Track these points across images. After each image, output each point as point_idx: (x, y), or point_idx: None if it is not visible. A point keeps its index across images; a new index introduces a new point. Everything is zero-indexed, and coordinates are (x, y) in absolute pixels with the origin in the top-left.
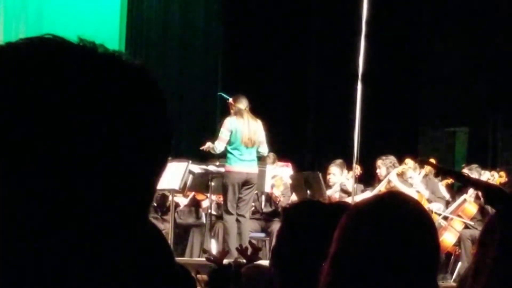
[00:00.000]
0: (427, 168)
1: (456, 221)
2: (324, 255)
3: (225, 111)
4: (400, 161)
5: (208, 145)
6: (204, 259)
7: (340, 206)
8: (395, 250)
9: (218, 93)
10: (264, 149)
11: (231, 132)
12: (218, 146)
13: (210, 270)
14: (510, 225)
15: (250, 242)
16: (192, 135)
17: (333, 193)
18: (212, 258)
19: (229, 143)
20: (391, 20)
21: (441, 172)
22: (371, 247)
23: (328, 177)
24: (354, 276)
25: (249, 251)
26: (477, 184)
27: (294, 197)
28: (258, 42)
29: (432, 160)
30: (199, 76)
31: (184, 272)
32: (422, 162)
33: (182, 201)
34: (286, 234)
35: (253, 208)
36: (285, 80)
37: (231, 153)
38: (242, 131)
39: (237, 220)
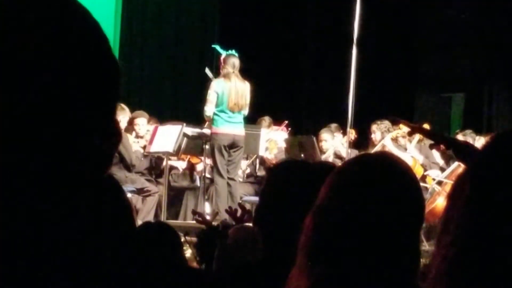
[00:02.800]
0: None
1: (450, 186)
2: (306, 213)
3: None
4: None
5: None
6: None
7: (324, 166)
8: (378, 207)
9: (213, 45)
10: (245, 112)
11: (217, 94)
12: (207, 109)
13: (199, 231)
14: (478, 180)
15: (239, 204)
16: (187, 98)
17: (326, 158)
18: (201, 219)
19: (216, 105)
20: None
21: (413, 129)
22: (355, 202)
23: (320, 144)
24: (336, 229)
25: (239, 212)
26: (447, 140)
27: None
28: (254, 6)
29: (423, 125)
30: (195, 39)
31: (167, 229)
32: (394, 120)
33: (181, 164)
34: (269, 193)
35: (248, 171)
36: (281, 44)
37: (217, 115)
38: (229, 95)
39: (228, 184)
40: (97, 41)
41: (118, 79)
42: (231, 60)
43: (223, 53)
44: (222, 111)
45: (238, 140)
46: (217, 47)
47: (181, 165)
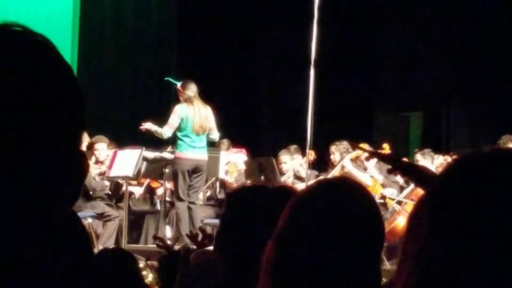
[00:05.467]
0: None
1: (410, 205)
2: (267, 239)
3: (178, 98)
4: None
5: (149, 126)
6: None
7: (284, 190)
8: (338, 231)
9: (166, 78)
10: (215, 135)
11: (182, 119)
12: (167, 132)
13: (160, 256)
14: (436, 207)
15: (200, 228)
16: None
17: (286, 179)
18: (162, 244)
19: (180, 130)
20: (343, 5)
21: (370, 154)
22: (316, 227)
23: (280, 166)
24: (298, 254)
25: (200, 237)
26: (407, 167)
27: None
28: (212, 28)
29: (365, 146)
30: (152, 63)
31: (125, 255)
32: (354, 146)
33: (138, 190)
34: (229, 218)
35: (208, 194)
36: (239, 66)
37: (182, 140)
38: (193, 119)
39: (188, 208)
40: (61, 70)
41: (82, 109)
42: (190, 86)
43: (178, 83)
44: (186, 135)
45: (201, 165)
46: (170, 79)
47: (138, 190)
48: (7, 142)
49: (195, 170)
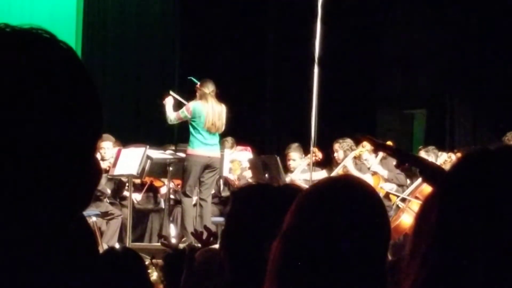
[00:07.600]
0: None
1: (414, 203)
2: (272, 238)
3: (184, 97)
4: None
5: (169, 101)
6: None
7: (289, 189)
8: (345, 230)
9: (188, 78)
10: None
11: (195, 117)
12: (173, 119)
13: (165, 254)
14: (446, 206)
15: (205, 227)
16: (150, 120)
17: (295, 179)
18: (167, 242)
19: (193, 127)
20: (347, 3)
21: (379, 147)
22: (322, 226)
23: (288, 163)
24: (304, 253)
25: (205, 235)
26: (415, 161)
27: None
28: (215, 26)
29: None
30: (156, 61)
31: (132, 254)
32: (357, 139)
33: (137, 197)
34: (235, 217)
35: (212, 192)
36: (243, 64)
37: (194, 137)
38: (207, 116)
39: (199, 205)
40: (84, 79)
41: (100, 118)
42: (207, 83)
43: (198, 82)
44: (198, 133)
45: (214, 162)
46: (193, 78)
47: (137, 197)
48: (27, 148)
49: (207, 167)
